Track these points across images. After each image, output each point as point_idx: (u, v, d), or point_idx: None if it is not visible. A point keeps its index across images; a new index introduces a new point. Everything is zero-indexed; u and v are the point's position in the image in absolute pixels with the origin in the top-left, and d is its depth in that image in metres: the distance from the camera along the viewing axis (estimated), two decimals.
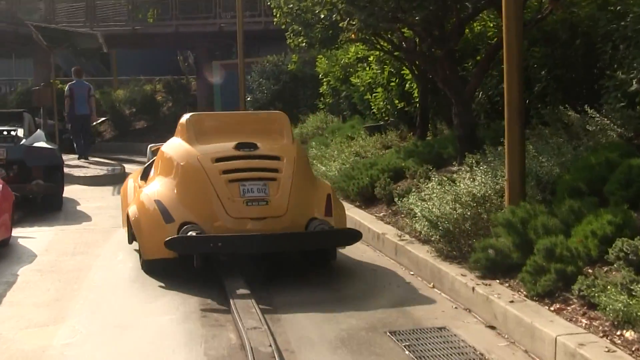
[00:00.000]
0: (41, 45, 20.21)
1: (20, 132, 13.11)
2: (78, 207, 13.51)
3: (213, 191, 7.62)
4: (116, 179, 17.04)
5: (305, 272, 8.26)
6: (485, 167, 8.17)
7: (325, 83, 19.04)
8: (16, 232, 10.70)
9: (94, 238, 10.43)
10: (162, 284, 7.72)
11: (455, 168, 10.31)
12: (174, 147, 8.45)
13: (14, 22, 26.45)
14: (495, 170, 8.01)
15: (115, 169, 18.01)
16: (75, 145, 20.41)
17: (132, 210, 8.23)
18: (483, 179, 7.81)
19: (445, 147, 11.58)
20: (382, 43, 13.34)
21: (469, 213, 7.41)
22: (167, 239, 7.26)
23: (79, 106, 19.62)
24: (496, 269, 6.68)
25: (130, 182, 9.96)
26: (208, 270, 7.83)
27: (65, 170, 17.83)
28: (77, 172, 17.57)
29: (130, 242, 8.74)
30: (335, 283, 7.80)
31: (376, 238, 9.17)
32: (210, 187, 7.65)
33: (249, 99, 22.32)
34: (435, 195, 7.87)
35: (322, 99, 19.50)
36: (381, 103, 15.48)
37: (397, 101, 14.87)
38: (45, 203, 12.77)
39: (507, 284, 6.49)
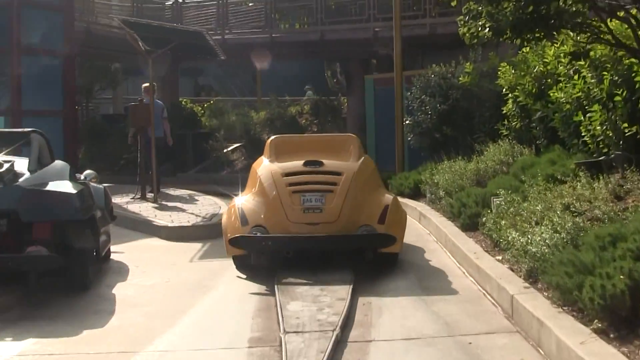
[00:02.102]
0: (139, 50, 15.56)
1: (21, 164, 8.18)
2: (118, 285, 8.51)
3: (279, 200, 8.93)
4: (211, 232, 12.04)
5: None
6: None
7: (510, 100, 13.49)
8: None
9: None
10: None
11: None
12: (259, 163, 9.98)
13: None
14: None
15: (214, 217, 12.97)
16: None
17: (223, 216, 9.74)
18: None
19: None
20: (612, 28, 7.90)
21: None
22: (230, 237, 8.72)
23: (156, 129, 15.80)
24: None
25: None
26: None
27: (149, 215, 13.18)
28: (160, 220, 12.66)
29: None
30: None
31: None
32: (277, 197, 8.96)
33: (407, 121, 16.92)
34: None
35: (505, 122, 13.87)
36: (598, 127, 9.85)
37: (624, 124, 9.29)
38: (61, 281, 7.87)
39: None
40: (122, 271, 9.34)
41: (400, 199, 14.24)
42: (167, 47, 15.18)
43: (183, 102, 27.40)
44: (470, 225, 10.37)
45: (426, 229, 12.07)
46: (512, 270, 7.56)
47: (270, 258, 8.85)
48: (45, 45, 19.24)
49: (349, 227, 8.77)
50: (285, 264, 8.86)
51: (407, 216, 13.01)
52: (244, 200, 9.37)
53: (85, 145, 26.42)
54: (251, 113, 27.01)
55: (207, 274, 9.07)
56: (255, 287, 8.28)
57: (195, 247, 11.08)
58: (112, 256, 10.32)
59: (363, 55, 22.68)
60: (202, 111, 27.83)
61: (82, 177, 9.99)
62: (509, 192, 9.62)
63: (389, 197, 9.60)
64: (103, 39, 22.89)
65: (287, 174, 9.18)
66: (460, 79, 15.85)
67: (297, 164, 9.37)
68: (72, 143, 20.25)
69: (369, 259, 8.82)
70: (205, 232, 12.02)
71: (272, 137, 10.50)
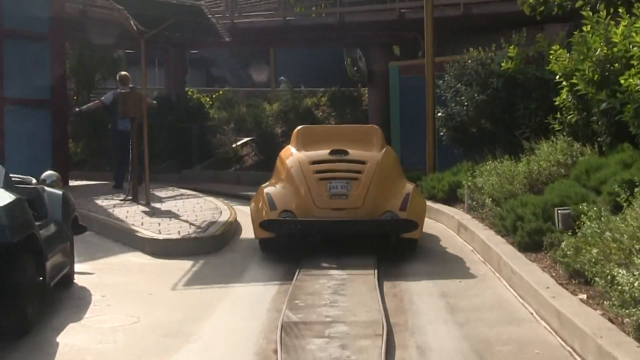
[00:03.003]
0: (130, 31, 13.38)
1: None
2: (69, 328, 6.33)
3: (306, 186, 9.26)
4: (204, 246, 9.89)
5: None
6: None
7: (565, 89, 11.25)
8: None
9: None
10: None
11: None
12: (286, 152, 10.35)
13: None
14: None
15: (211, 226, 10.78)
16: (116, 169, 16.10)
17: (251, 202, 10.07)
18: None
19: None
20: None
21: None
22: (261, 220, 9.12)
23: (123, 120, 14.56)
24: None
25: None
26: None
27: (135, 223, 11.06)
28: (146, 230, 10.47)
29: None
30: None
31: None
32: (305, 183, 9.29)
33: (439, 114, 14.67)
34: None
35: (558, 115, 11.62)
36: None
37: None
38: None
39: None
40: (81, 304, 7.17)
41: (432, 205, 12.28)
42: (162, 26, 12.96)
43: (189, 93, 25.27)
44: (530, 245, 8.19)
45: (469, 244, 9.87)
46: (612, 321, 5.36)
47: (298, 241, 9.38)
48: (31, 28, 17.07)
49: (373, 213, 9.11)
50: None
51: (444, 227, 11.12)
52: (272, 186, 9.75)
53: (84, 139, 24.42)
54: (264, 105, 24.91)
55: (191, 310, 6.89)
56: (254, 331, 6.11)
57: (184, 266, 8.89)
58: (78, 279, 8.19)
59: (387, 40, 20.32)
60: (211, 102, 25.72)
61: (34, 180, 7.86)
62: (577, 200, 7.38)
63: (409, 186, 9.86)
64: (101, 23, 20.66)
65: (314, 162, 9.54)
66: (502, 64, 13.57)
67: (323, 152, 9.73)
68: (62, 137, 18.09)
69: (392, 244, 9.23)
70: (198, 246, 9.83)
71: (299, 127, 10.87)
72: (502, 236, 9.10)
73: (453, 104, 14.45)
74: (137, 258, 9.60)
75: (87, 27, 20.90)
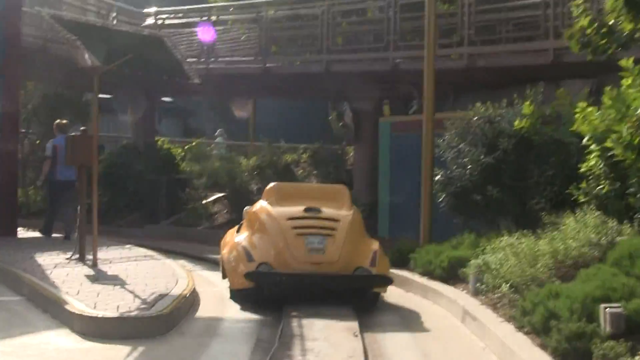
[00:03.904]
0: (81, 64, 11.59)
1: None
2: None
3: (285, 241, 9.81)
4: (149, 327, 7.83)
5: None
6: None
7: (594, 154, 9.51)
8: None
9: None
10: None
11: None
12: (260, 207, 10.67)
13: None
14: None
15: (159, 300, 8.69)
16: (46, 220, 15.57)
17: (225, 252, 10.73)
18: None
19: None
20: None
21: None
22: (247, 271, 9.59)
23: (63, 169, 13.96)
24: None
25: (229, 235, 11.65)
26: None
27: (70, 290, 9.06)
28: (79, 302, 8.36)
29: (223, 277, 10.76)
30: None
31: None
32: (283, 237, 9.84)
33: (438, 177, 12.75)
34: None
35: (584, 184, 9.79)
36: None
37: None
38: None
39: None
40: None
41: (427, 283, 11.06)
42: (119, 61, 10.98)
43: (160, 142, 23.43)
44: (570, 353, 6.24)
45: (479, 339, 7.92)
46: None
47: (279, 292, 9.69)
48: None
49: (347, 268, 9.72)
50: None
51: (443, 312, 9.58)
52: (246, 239, 10.21)
53: (46, 186, 22.44)
54: (240, 159, 23.11)
55: None
56: None
57: (117, 355, 6.86)
58: None
59: (377, 94, 18.36)
60: (183, 154, 23.88)
61: None
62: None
63: (376, 243, 10.43)
64: (64, 60, 18.76)
65: (291, 218, 10.07)
66: (515, 123, 11.75)
67: (298, 209, 10.24)
68: (10, 183, 16.11)
69: (369, 297, 9.91)
70: (140, 327, 7.71)
71: (273, 184, 11.46)
72: (525, 333, 7.17)
73: (454, 166, 12.56)
74: (61, 339, 7.51)
75: (49, 64, 19.06)
